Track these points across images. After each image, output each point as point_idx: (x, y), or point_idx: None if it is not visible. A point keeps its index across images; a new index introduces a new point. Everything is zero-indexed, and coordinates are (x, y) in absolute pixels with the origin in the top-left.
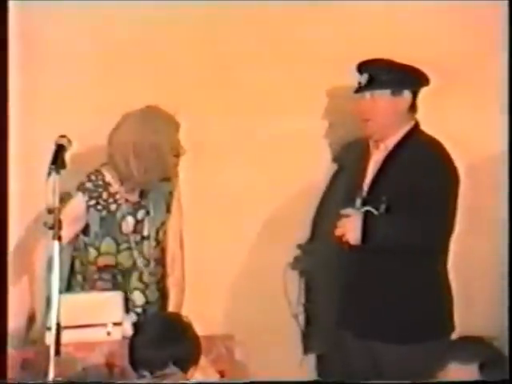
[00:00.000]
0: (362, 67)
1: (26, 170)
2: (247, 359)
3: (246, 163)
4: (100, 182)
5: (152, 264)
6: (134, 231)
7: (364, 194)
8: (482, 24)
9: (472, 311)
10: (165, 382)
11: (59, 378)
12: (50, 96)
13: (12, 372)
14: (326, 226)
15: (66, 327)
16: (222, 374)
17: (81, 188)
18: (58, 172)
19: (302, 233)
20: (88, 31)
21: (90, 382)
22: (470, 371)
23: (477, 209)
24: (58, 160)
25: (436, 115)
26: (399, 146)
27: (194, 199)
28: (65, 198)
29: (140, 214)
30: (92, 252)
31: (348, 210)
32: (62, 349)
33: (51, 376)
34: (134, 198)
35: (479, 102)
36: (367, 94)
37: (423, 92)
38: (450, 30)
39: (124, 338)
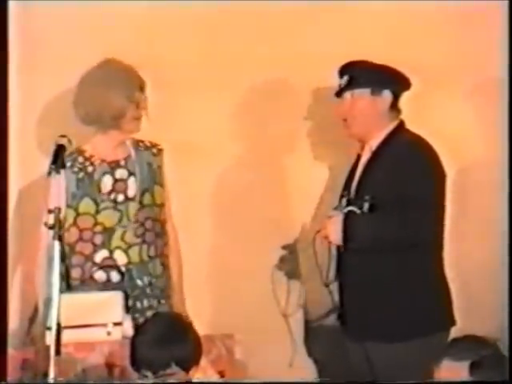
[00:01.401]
0: (342, 70)
1: (26, 170)
2: (247, 359)
3: (239, 163)
4: (73, 149)
5: (136, 225)
6: (113, 190)
7: (351, 195)
8: (482, 24)
9: (471, 311)
10: (166, 382)
11: (59, 378)
12: (50, 96)
13: (12, 372)
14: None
15: (66, 327)
16: (221, 373)
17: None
18: (58, 172)
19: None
20: (88, 31)
21: (90, 382)
22: (461, 369)
23: (477, 209)
24: (58, 160)
25: (435, 116)
26: (382, 145)
27: (197, 199)
28: None
29: (119, 173)
30: (70, 213)
31: (331, 212)
32: (62, 349)
33: (51, 376)
34: (111, 157)
35: (479, 103)
36: (348, 95)
37: (422, 92)
38: (450, 30)
39: (124, 337)
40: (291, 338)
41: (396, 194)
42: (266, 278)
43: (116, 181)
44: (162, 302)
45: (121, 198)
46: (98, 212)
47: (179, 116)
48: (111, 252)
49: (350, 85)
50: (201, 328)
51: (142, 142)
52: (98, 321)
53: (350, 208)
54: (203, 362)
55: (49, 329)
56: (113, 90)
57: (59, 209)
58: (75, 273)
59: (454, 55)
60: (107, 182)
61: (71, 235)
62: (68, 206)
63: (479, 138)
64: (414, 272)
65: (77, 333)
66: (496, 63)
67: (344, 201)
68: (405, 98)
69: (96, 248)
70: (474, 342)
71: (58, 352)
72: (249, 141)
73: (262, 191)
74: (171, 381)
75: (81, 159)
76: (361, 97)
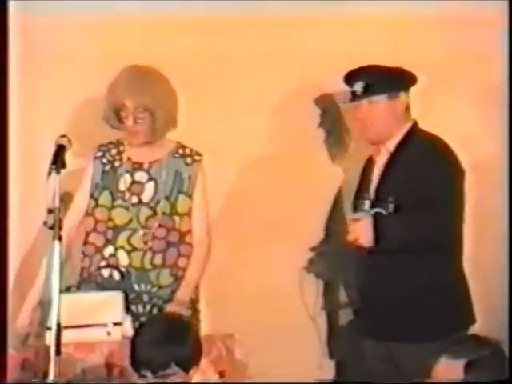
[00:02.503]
0: (354, 76)
1: (26, 170)
2: (247, 359)
3: (253, 165)
4: (114, 140)
5: (144, 230)
6: (129, 190)
7: (372, 197)
8: (482, 24)
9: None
10: (166, 381)
11: (59, 379)
12: (50, 96)
13: (12, 372)
14: (338, 230)
15: (66, 327)
16: (222, 373)
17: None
18: (58, 172)
19: (305, 234)
20: (88, 31)
21: (90, 382)
22: (459, 368)
23: (476, 209)
24: (58, 160)
25: (435, 115)
26: (400, 146)
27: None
28: (66, 197)
29: (138, 175)
30: (91, 203)
31: (358, 214)
32: (62, 349)
33: (51, 376)
34: (136, 158)
35: (478, 103)
36: (364, 101)
37: (423, 92)
38: (450, 31)
39: (124, 337)
40: (319, 339)
41: (419, 195)
42: (268, 279)
43: (133, 182)
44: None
45: (134, 200)
46: (112, 207)
47: (187, 119)
48: (116, 250)
49: (366, 92)
50: (202, 328)
51: (184, 148)
52: (97, 321)
53: (377, 210)
54: (203, 362)
55: (49, 329)
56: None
57: (59, 209)
58: (84, 263)
59: (454, 56)
60: (125, 181)
61: (87, 224)
62: (90, 196)
63: (479, 138)
64: (439, 271)
65: (77, 333)
66: (496, 64)
67: (366, 203)
68: None
69: (107, 242)
70: (474, 342)
71: (58, 352)
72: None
73: (272, 191)
74: (171, 381)
75: (114, 151)
76: (379, 103)
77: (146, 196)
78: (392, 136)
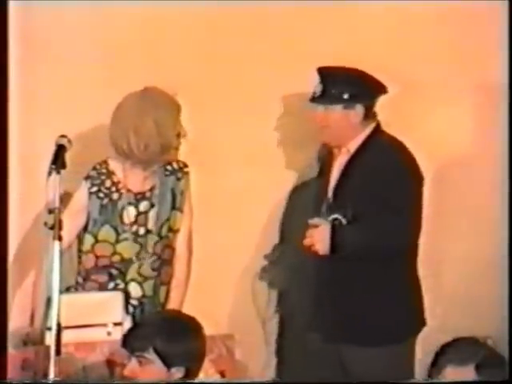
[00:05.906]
0: (319, 75)
1: (26, 170)
2: (247, 359)
3: (249, 164)
4: (104, 171)
5: (153, 258)
6: (136, 222)
7: (329, 200)
8: (482, 24)
9: (473, 311)
10: (168, 381)
11: (59, 378)
12: (50, 96)
13: (12, 372)
14: (294, 235)
15: (66, 327)
16: (222, 373)
17: (86, 177)
18: (58, 172)
19: None
20: (88, 31)
21: (91, 382)
22: (467, 372)
23: (476, 209)
24: (58, 160)
25: (435, 115)
26: (361, 149)
27: (198, 199)
28: (66, 197)
29: (142, 206)
30: (89, 239)
31: (315, 220)
32: (62, 349)
33: (51, 376)
34: (137, 188)
35: (479, 103)
36: (320, 105)
37: (421, 92)
38: (450, 30)
39: None
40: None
41: (377, 201)
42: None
43: (139, 213)
44: None
45: (142, 231)
46: (117, 242)
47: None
48: (126, 284)
49: (322, 97)
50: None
51: (171, 163)
52: (98, 321)
53: (335, 216)
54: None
55: (49, 329)
56: (161, 122)
57: (59, 209)
58: None
59: (454, 55)
60: (131, 214)
61: (88, 262)
62: (87, 232)
63: (479, 137)
64: (393, 277)
65: (77, 333)
66: (496, 63)
67: (324, 207)
68: (404, 99)
69: (111, 278)
70: (471, 344)
71: (58, 352)
72: (261, 140)
73: (272, 191)
74: (152, 368)
75: (108, 183)
76: (334, 110)
77: (151, 223)
78: (351, 138)
